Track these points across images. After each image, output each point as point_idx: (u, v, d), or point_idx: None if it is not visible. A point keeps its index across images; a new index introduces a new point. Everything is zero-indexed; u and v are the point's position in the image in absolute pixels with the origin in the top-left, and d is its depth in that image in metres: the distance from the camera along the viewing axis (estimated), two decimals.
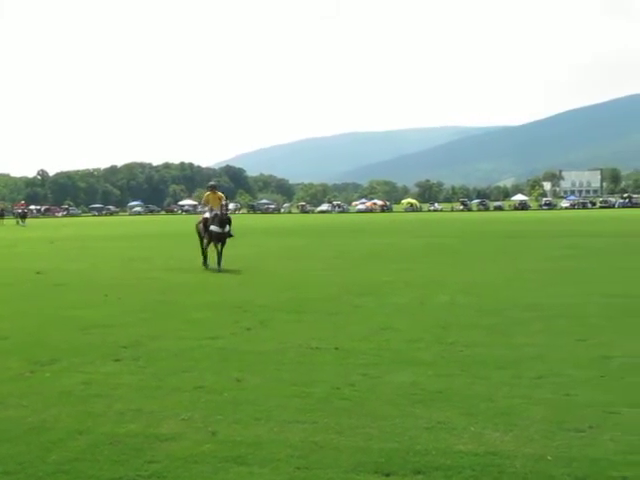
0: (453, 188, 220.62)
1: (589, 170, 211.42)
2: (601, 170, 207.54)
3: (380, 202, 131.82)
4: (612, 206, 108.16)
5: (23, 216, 67.22)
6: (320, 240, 31.60)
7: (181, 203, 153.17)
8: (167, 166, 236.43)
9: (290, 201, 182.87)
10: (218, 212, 18.04)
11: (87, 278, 16.13)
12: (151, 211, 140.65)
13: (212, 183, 20.17)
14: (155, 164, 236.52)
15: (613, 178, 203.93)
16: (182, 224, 54.85)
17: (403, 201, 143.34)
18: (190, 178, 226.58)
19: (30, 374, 7.14)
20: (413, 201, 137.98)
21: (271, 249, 25.69)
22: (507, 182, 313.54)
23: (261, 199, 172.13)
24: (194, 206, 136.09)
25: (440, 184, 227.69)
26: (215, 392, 6.31)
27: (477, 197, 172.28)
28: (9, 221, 68.36)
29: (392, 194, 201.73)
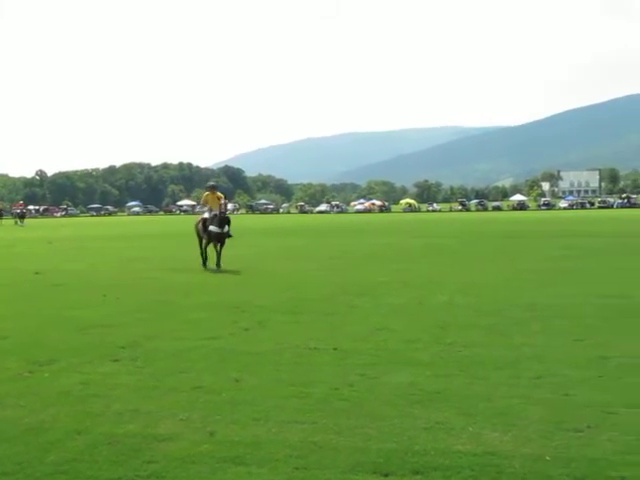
0: (452, 188, 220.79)
1: (587, 170, 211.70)
2: (599, 170, 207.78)
3: (378, 202, 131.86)
4: (610, 206, 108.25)
5: (21, 216, 67.18)
6: (318, 240, 31.60)
7: (179, 203, 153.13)
8: (166, 166, 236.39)
9: (289, 201, 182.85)
10: (217, 212, 18.05)
11: (85, 278, 16.13)
12: (149, 211, 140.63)
13: (211, 183, 20.16)
14: (154, 164, 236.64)
15: (611, 178, 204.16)
16: (180, 224, 54.82)
17: (402, 201, 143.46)
18: (189, 178, 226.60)
19: (28, 374, 7.14)
20: (412, 201, 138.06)
21: (269, 249, 25.69)
22: (505, 182, 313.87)
23: (260, 199, 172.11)
24: (192, 206, 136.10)
25: (439, 184, 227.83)
26: (213, 392, 6.31)
27: (475, 197, 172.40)
28: (7, 221, 68.28)
29: (390, 194, 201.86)
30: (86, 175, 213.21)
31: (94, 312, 10.96)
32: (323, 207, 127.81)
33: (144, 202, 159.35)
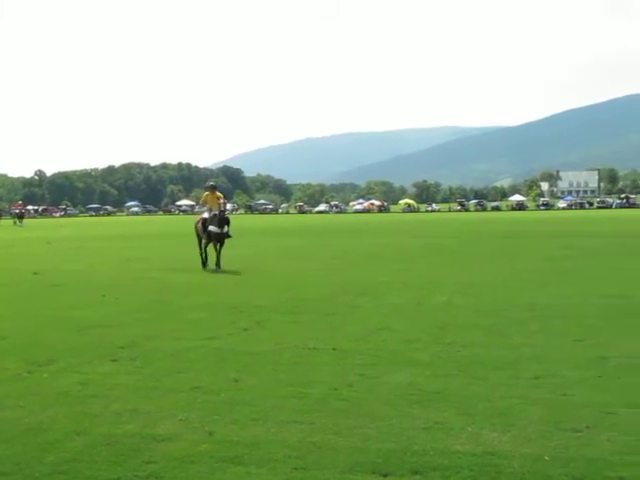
0: (450, 188, 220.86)
1: (586, 170, 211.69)
2: (598, 170, 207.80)
3: (378, 202, 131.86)
4: (609, 206, 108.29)
5: (21, 216, 67.17)
6: (317, 240, 31.60)
7: (178, 203, 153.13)
8: (165, 166, 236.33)
9: (288, 201, 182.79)
10: (217, 212, 18.05)
11: (84, 278, 16.12)
12: (148, 211, 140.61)
13: (211, 183, 20.16)
14: (153, 164, 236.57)
15: (610, 178, 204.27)
16: (179, 224, 54.81)
17: (401, 201, 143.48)
18: (188, 178, 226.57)
19: (27, 374, 7.14)
20: (410, 201, 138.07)
21: (268, 249, 25.69)
22: (504, 182, 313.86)
23: (259, 199, 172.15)
24: (191, 206, 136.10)
25: (438, 184, 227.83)
26: (212, 392, 6.31)
27: (474, 197, 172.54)
28: (6, 221, 68.29)
29: (389, 194, 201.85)
30: (85, 175, 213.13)
31: (93, 312, 10.96)
32: (322, 207, 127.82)
33: (143, 202, 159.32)
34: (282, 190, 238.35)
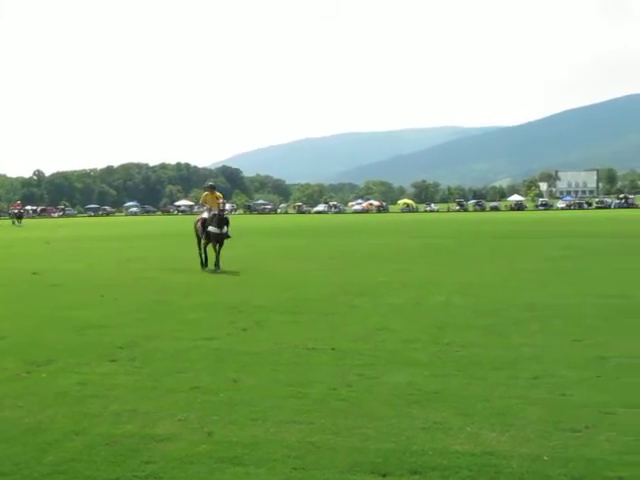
0: (449, 188, 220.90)
1: (585, 171, 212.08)
2: (597, 171, 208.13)
3: (376, 202, 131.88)
4: (608, 207, 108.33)
5: (19, 216, 67.18)
6: (316, 241, 31.60)
7: (177, 203, 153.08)
8: (164, 166, 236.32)
9: (286, 201, 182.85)
10: (216, 212, 18.02)
11: (83, 279, 16.12)
12: (147, 211, 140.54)
13: (211, 183, 20.14)
14: (152, 164, 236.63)
15: (609, 178, 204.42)
16: (178, 224, 54.81)
17: (399, 201, 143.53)
18: (186, 178, 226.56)
19: (26, 375, 7.13)
20: (409, 201, 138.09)
21: (267, 250, 25.69)
22: (503, 182, 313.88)
23: (257, 199, 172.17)
24: (190, 206, 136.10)
25: (436, 184, 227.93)
26: (211, 393, 6.31)
27: (473, 197, 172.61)
28: (5, 221, 68.28)
29: (388, 194, 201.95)
30: (84, 175, 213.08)
31: (92, 312, 10.95)
32: (321, 207, 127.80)
33: (142, 202, 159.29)
34: (281, 190, 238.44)
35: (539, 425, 5.28)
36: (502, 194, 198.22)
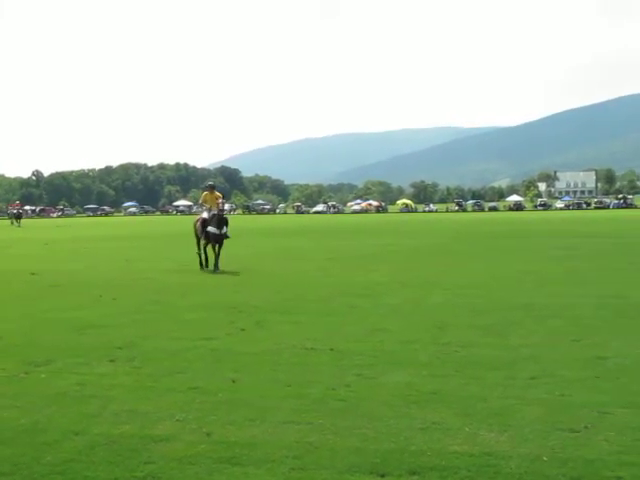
0: (448, 189, 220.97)
1: (584, 171, 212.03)
2: (596, 171, 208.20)
3: (375, 203, 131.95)
4: (607, 207, 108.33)
5: (18, 217, 67.13)
6: (315, 241, 31.58)
7: (176, 204, 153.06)
8: (162, 167, 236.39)
9: (285, 202, 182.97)
10: (216, 212, 17.99)
11: (82, 279, 16.11)
12: (146, 212, 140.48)
13: (210, 183, 20.12)
14: (150, 165, 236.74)
15: (608, 179, 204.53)
16: (177, 225, 54.80)
17: (398, 202, 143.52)
18: (185, 179, 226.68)
19: (25, 375, 7.13)
20: (408, 202, 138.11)
21: (266, 250, 25.67)
22: (502, 183, 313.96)
23: (256, 200, 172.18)
24: (189, 207, 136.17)
25: (435, 185, 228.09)
26: (210, 393, 6.31)
27: (472, 198, 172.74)
28: (4, 222, 68.21)
29: (387, 195, 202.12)
30: (82, 175, 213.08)
31: (90, 313, 10.95)
32: (319, 207, 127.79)
33: (141, 202, 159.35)
34: (280, 190, 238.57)
35: (538, 425, 5.28)
36: (501, 194, 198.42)
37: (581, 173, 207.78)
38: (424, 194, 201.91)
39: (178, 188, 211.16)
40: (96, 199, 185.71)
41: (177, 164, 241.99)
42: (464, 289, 13.10)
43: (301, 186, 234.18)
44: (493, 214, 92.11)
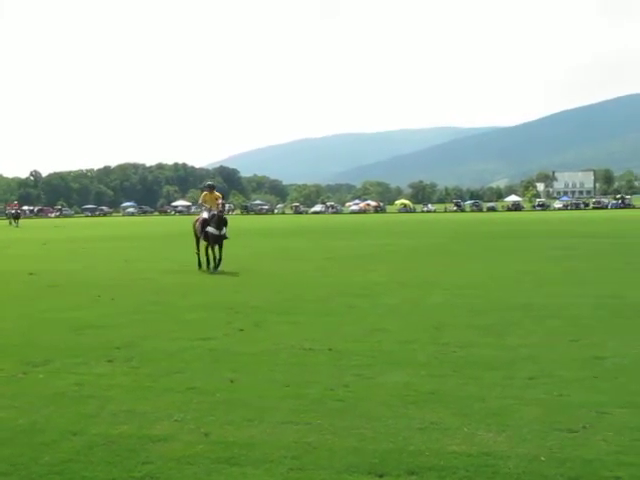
0: (446, 189, 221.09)
1: (582, 171, 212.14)
2: (594, 171, 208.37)
3: (373, 203, 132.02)
4: (605, 207, 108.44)
5: (16, 217, 67.09)
6: (313, 241, 31.59)
7: (174, 204, 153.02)
8: (161, 167, 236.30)
9: (283, 202, 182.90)
10: (216, 212, 17.93)
11: (80, 279, 16.10)
12: (144, 212, 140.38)
13: (210, 183, 20.08)
14: (148, 165, 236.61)
15: (606, 179, 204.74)
16: (176, 225, 54.77)
17: (397, 202, 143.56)
18: (184, 179, 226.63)
19: (23, 375, 7.13)
20: (407, 202, 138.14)
21: (264, 250, 25.67)
22: (500, 183, 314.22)
23: (255, 200, 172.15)
24: (187, 207, 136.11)
25: (434, 185, 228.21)
26: (208, 393, 6.31)
27: (470, 198, 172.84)
28: (2, 222, 68.17)
29: (385, 195, 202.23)
30: (80, 176, 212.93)
31: (89, 313, 10.94)
32: (318, 208, 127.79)
33: (139, 203, 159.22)
34: (278, 190, 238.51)
35: (536, 425, 5.29)
36: (499, 195, 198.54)
37: (579, 173, 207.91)
38: (422, 194, 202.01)
39: (176, 188, 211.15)
40: (94, 199, 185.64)
41: (175, 164, 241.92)
42: (462, 289, 13.11)
43: (299, 186, 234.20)
44: (491, 214, 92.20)
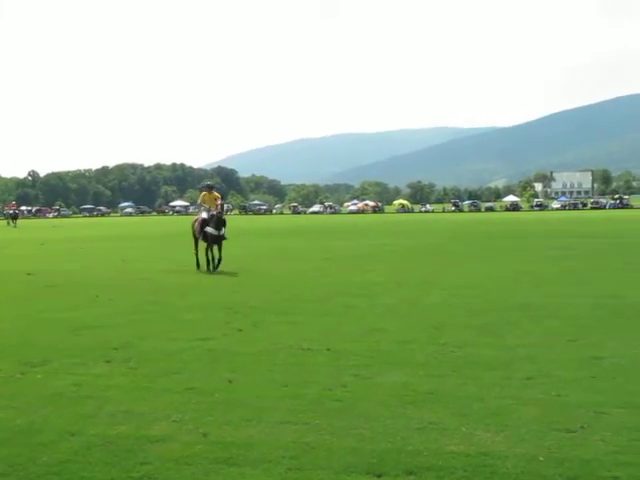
0: (444, 189, 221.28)
1: (580, 171, 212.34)
2: (592, 171, 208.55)
3: (372, 203, 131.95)
4: (603, 207, 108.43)
5: (14, 217, 66.99)
6: (312, 241, 31.58)
7: (173, 204, 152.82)
8: (159, 167, 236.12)
9: (282, 202, 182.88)
10: (215, 212, 17.91)
11: (78, 279, 16.09)
12: (142, 212, 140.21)
13: (209, 183, 20.06)
14: (147, 165, 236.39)
15: (604, 179, 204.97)
16: (174, 225, 54.75)
17: (395, 202, 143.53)
18: (182, 179, 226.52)
19: (21, 375, 7.12)
20: (405, 202, 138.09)
21: (263, 250, 25.66)
22: (498, 183, 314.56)
23: (253, 200, 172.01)
24: (186, 207, 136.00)
25: (432, 185, 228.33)
26: (206, 393, 6.30)
27: (468, 198, 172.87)
28: (0, 222, 68.07)
29: (384, 195, 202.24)
30: (79, 176, 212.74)
31: (87, 313, 10.94)
32: (316, 208, 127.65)
33: (137, 203, 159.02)
34: (276, 191, 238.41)
35: (534, 425, 5.29)
36: (497, 195, 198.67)
37: (577, 173, 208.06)
38: (421, 194, 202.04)
39: (175, 188, 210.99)
40: (92, 199, 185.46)
41: (174, 164, 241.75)
42: (461, 289, 13.11)
43: (298, 186, 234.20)
44: (490, 214, 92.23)
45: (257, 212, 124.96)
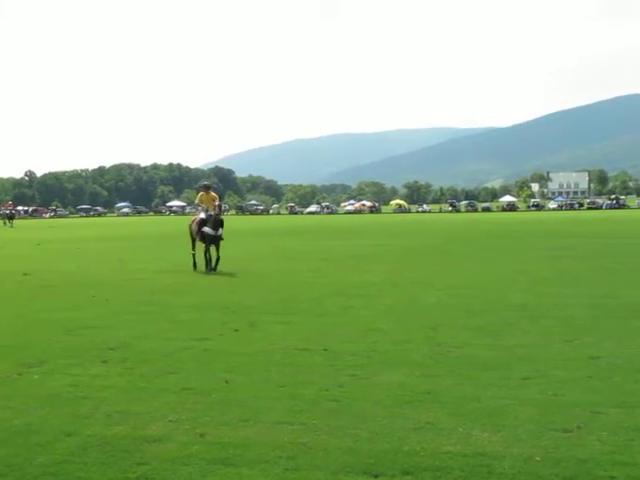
0: (441, 189, 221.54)
1: (577, 171, 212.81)
2: (589, 171, 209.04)
3: (369, 203, 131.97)
4: (599, 207, 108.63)
5: (10, 217, 66.92)
6: (309, 241, 31.58)
7: (169, 204, 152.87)
8: (155, 167, 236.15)
9: (279, 202, 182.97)
10: (212, 212, 17.88)
11: (74, 279, 16.06)
12: (139, 212, 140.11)
13: (206, 183, 20.02)
14: (143, 165, 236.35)
15: (600, 179, 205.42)
16: (170, 225, 54.70)
17: (392, 202, 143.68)
18: (178, 179, 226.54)
19: (17, 376, 7.11)
20: (402, 202, 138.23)
21: (260, 250, 25.65)
22: (495, 183, 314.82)
23: (250, 200, 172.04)
24: (182, 207, 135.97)
25: (429, 185, 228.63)
26: (203, 393, 6.30)
27: (465, 198, 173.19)
28: None
29: (381, 195, 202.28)
30: (75, 176, 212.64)
31: (83, 313, 10.92)
32: (313, 208, 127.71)
33: (134, 203, 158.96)
34: (273, 191, 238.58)
35: (531, 425, 5.29)
36: (494, 195, 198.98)
37: (574, 174, 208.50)
38: (417, 195, 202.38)
39: (171, 188, 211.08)
40: (89, 199, 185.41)
41: (170, 164, 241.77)
42: (458, 289, 13.12)
43: (295, 186, 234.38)
44: (486, 214, 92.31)
45: (254, 212, 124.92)
